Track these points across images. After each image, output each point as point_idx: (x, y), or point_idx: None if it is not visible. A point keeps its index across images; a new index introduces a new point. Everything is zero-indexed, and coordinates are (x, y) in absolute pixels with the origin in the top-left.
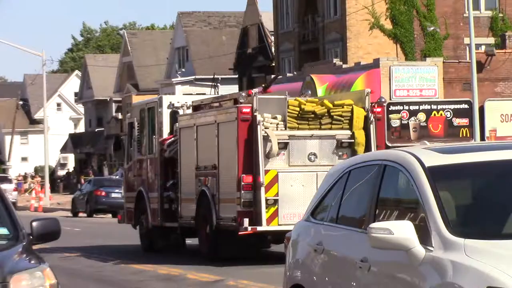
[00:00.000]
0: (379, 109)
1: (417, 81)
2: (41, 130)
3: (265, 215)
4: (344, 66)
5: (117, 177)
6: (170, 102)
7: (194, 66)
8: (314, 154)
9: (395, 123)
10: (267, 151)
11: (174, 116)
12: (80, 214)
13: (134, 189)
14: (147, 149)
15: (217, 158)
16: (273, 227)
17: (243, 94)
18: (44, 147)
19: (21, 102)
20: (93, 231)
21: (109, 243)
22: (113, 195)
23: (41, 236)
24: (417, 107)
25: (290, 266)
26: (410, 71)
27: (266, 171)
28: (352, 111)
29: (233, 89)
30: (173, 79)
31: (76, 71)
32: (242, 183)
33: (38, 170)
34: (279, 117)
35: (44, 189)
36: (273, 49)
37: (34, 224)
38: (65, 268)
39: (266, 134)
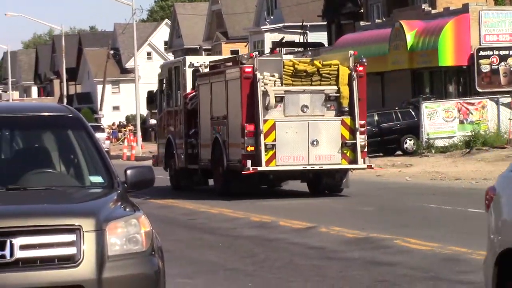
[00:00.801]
0: (361, 68)
1: (507, 25)
2: (132, 79)
3: (264, 157)
4: (433, 11)
5: None
6: (191, 62)
7: (282, 13)
8: (306, 106)
9: (485, 68)
10: (266, 104)
11: (195, 74)
12: None
13: (164, 136)
14: (174, 102)
15: (226, 109)
16: (271, 167)
17: (245, 56)
18: (135, 96)
19: (111, 52)
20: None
21: (201, 191)
22: None
23: (135, 184)
24: (507, 52)
25: (498, 226)
26: (499, 15)
27: (265, 121)
28: (338, 70)
29: (322, 36)
30: (261, 27)
31: (166, 20)
32: (245, 131)
33: (130, 119)
34: (277, 75)
35: (136, 138)
36: None
37: (129, 172)
38: (159, 216)
39: (265, 90)
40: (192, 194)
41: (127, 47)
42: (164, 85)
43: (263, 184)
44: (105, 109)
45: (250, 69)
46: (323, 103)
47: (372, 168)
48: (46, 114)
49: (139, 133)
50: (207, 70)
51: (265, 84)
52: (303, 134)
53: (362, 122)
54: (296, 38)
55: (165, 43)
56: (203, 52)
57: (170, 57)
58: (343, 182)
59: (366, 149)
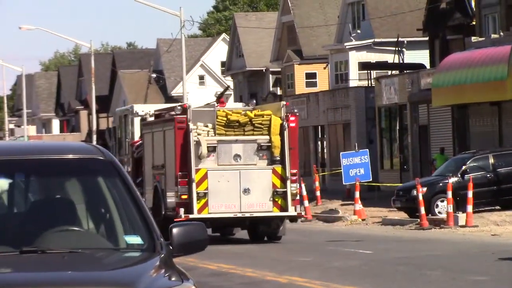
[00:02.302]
0: (292, 118)
1: None
2: None
3: (196, 205)
4: None
5: None
6: (135, 111)
7: (372, 26)
8: (239, 155)
9: None
10: (198, 153)
11: (141, 123)
12: None
13: None
14: (124, 151)
15: (164, 158)
16: (203, 215)
17: (179, 107)
18: None
19: (154, 75)
20: (247, 239)
21: (267, 254)
22: None
23: (183, 246)
24: None
25: None
26: None
27: (197, 170)
28: (270, 120)
29: (422, 55)
30: (345, 44)
31: (223, 35)
32: (178, 180)
33: None
34: (210, 125)
35: None
36: (473, 4)
37: (175, 230)
38: (213, 286)
39: (197, 140)
40: (248, 257)
41: (174, 69)
42: (116, 132)
43: (214, 232)
44: None
45: (183, 120)
46: (255, 152)
47: (302, 216)
48: (70, 156)
49: None
50: (152, 119)
51: (198, 134)
52: (235, 182)
53: (294, 171)
54: (390, 58)
55: (222, 64)
56: (270, 76)
57: (228, 82)
58: (279, 230)
59: (298, 197)
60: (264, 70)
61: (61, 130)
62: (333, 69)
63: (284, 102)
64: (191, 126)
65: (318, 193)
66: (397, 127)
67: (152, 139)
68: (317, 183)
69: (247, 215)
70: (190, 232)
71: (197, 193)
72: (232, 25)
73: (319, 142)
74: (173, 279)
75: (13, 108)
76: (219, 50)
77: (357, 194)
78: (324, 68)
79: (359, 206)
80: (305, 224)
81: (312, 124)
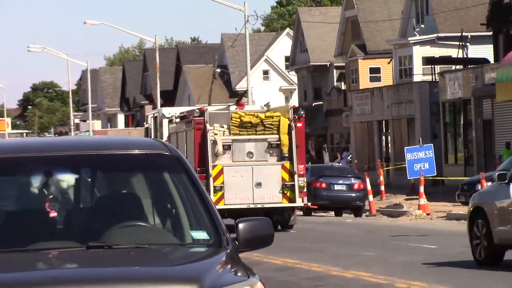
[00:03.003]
0: (299, 119)
1: None
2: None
3: (213, 198)
4: None
5: (340, 164)
6: (163, 114)
7: (436, 21)
8: (251, 153)
9: None
10: (215, 151)
11: (169, 124)
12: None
13: None
14: None
15: (185, 156)
16: (220, 206)
17: (197, 110)
18: None
19: (218, 70)
20: (312, 233)
21: (331, 249)
22: (336, 187)
23: (249, 241)
24: None
25: None
26: None
27: (214, 166)
28: (279, 121)
29: (486, 49)
30: (409, 38)
31: (287, 30)
32: (197, 175)
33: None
34: (225, 126)
35: None
36: None
37: (241, 226)
38: (279, 281)
39: (214, 139)
40: (313, 251)
41: (238, 64)
42: (149, 133)
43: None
44: None
45: (201, 121)
46: (266, 150)
47: (309, 206)
48: (136, 151)
49: None
50: (178, 120)
51: (214, 134)
52: (248, 177)
53: (301, 166)
54: (453, 53)
55: (286, 58)
56: (334, 70)
57: (293, 76)
58: (291, 219)
59: (305, 190)
60: (328, 65)
61: (126, 125)
62: (397, 64)
63: (291, 105)
64: (208, 127)
65: (382, 188)
66: (461, 122)
67: (177, 138)
68: (381, 178)
69: (259, 206)
70: (256, 227)
71: (214, 187)
72: (296, 20)
73: (383, 137)
74: (239, 274)
75: (78, 103)
76: (283, 45)
77: (422, 189)
78: (388, 63)
79: (423, 200)
80: (369, 219)
81: (376, 119)
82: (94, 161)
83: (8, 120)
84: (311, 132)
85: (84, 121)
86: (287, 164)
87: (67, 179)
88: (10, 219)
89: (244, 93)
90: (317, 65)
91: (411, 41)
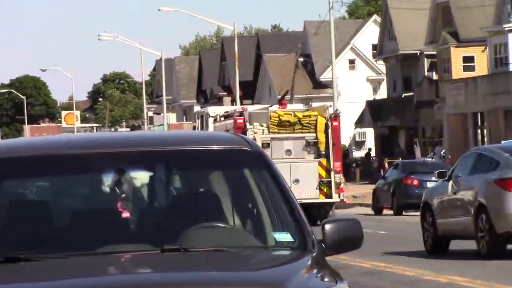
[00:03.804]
0: (336, 118)
1: None
2: (328, 96)
3: None
4: None
5: (433, 159)
6: (208, 113)
7: None
8: (289, 151)
9: None
10: None
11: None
12: (385, 211)
13: None
14: None
15: None
16: None
17: (238, 110)
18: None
19: (301, 59)
20: (403, 234)
21: (424, 251)
22: (429, 184)
23: (336, 243)
24: None
25: None
26: None
27: None
28: (316, 120)
29: None
30: (504, 25)
31: (374, 17)
32: None
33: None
34: (264, 125)
35: None
36: None
37: (328, 227)
38: (366, 286)
39: (254, 137)
40: (404, 254)
41: (322, 53)
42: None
43: None
44: None
45: (241, 121)
46: (304, 148)
47: (345, 202)
48: (215, 147)
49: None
50: (222, 119)
51: (254, 133)
52: (287, 174)
53: (337, 163)
54: None
55: (373, 47)
56: (424, 59)
57: (380, 66)
58: (328, 214)
59: (341, 186)
60: (418, 54)
61: None
62: (492, 52)
63: (328, 104)
64: (248, 126)
65: None
66: None
67: None
68: None
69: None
70: (344, 228)
71: None
72: (383, 7)
73: (479, 130)
74: (326, 279)
75: (152, 94)
76: (370, 33)
77: None
78: (482, 51)
79: None
80: None
81: (470, 110)
82: (169, 157)
83: (77, 113)
84: (400, 125)
85: (158, 114)
86: (324, 161)
87: (141, 177)
88: (79, 220)
89: (286, 93)
90: (407, 54)
91: (506, 28)
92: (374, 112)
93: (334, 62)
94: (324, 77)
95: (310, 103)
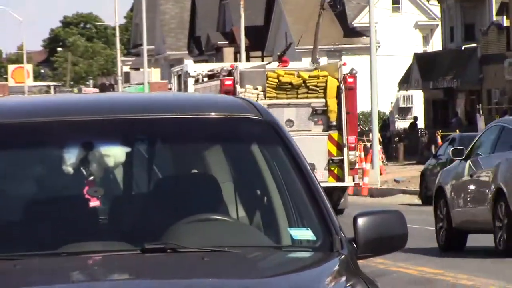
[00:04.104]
0: (351, 79)
1: None
2: (364, 47)
3: None
4: None
5: None
6: (187, 71)
7: None
8: (291, 121)
9: None
10: None
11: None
12: None
13: None
14: None
15: None
16: None
17: (225, 68)
18: (370, 79)
19: None
20: None
21: (488, 254)
22: None
23: (372, 243)
24: None
25: None
26: None
27: None
28: (326, 82)
29: None
30: None
31: None
32: None
33: (359, 121)
34: (260, 87)
35: (371, 155)
36: None
37: (361, 221)
38: None
39: None
40: (461, 258)
41: None
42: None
43: None
44: None
45: (230, 82)
46: (310, 117)
47: (360, 186)
48: (213, 115)
49: (375, 147)
50: (205, 79)
51: None
52: None
53: (352, 138)
54: None
55: None
56: (492, 1)
57: (434, 8)
58: (340, 202)
59: (356, 166)
60: None
61: None
62: None
63: (342, 62)
64: (239, 89)
65: None
66: None
67: None
68: None
69: None
70: (383, 223)
71: None
72: None
73: None
74: None
75: (128, 43)
76: None
77: None
78: None
79: None
80: None
81: None
82: (153, 128)
83: (29, 68)
84: (459, 87)
85: (137, 69)
86: (334, 134)
87: (115, 154)
88: (33, 210)
89: (289, 47)
90: None
91: None
92: (424, 69)
93: (372, 2)
94: (359, 22)
95: (319, 59)
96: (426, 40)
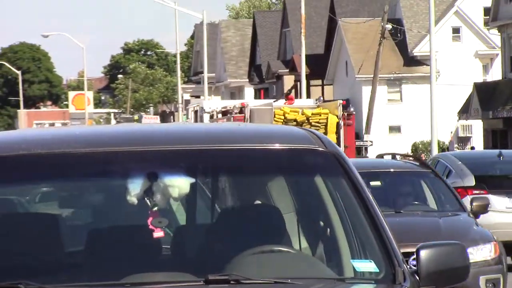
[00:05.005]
0: (349, 118)
1: None
2: (423, 76)
3: None
4: None
5: None
6: (203, 108)
7: None
8: None
9: None
10: None
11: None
12: None
13: None
14: None
15: None
16: None
17: (237, 105)
18: (430, 108)
19: (389, 26)
20: None
21: None
22: None
23: (434, 275)
24: None
25: None
26: None
27: None
28: (327, 119)
29: None
30: None
31: None
32: None
33: (419, 149)
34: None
35: None
36: None
37: (423, 253)
38: None
39: None
40: None
41: (417, 19)
42: None
43: None
44: (376, 131)
45: (241, 119)
46: None
47: None
48: (277, 146)
49: None
50: (219, 116)
51: None
52: None
53: None
54: None
55: (485, 11)
56: None
57: (494, 37)
58: None
59: None
60: None
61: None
62: None
63: (340, 101)
64: None
65: None
66: None
67: None
68: None
69: None
70: (445, 255)
71: None
72: None
73: None
74: None
75: (188, 71)
76: None
77: None
78: None
79: None
80: None
81: None
82: (217, 159)
83: (90, 95)
84: None
85: (197, 96)
86: None
87: (179, 185)
88: (98, 240)
89: (293, 87)
90: None
91: None
92: (483, 99)
93: (433, 31)
94: (419, 50)
95: (321, 98)
96: (486, 69)
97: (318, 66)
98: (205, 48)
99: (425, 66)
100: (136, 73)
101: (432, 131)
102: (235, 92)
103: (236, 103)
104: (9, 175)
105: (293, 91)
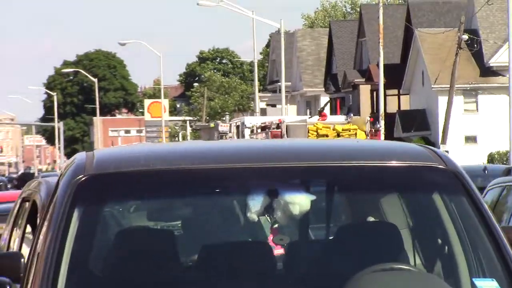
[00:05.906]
0: (376, 133)
1: None
2: (501, 86)
3: None
4: None
5: None
6: (244, 123)
7: None
8: None
9: None
10: None
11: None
12: None
13: None
14: None
15: None
16: None
17: (275, 121)
18: (508, 118)
19: (465, 37)
20: None
21: None
22: None
23: None
24: None
25: None
26: None
27: None
28: (356, 134)
29: None
30: None
31: None
32: None
33: (495, 160)
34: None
35: None
36: None
37: None
38: None
39: None
40: None
41: (493, 29)
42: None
43: None
44: (452, 141)
45: (278, 133)
46: None
47: None
48: (395, 163)
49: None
50: (259, 131)
51: None
52: None
53: None
54: None
55: None
56: None
57: None
58: None
59: None
60: None
61: (332, 112)
62: None
63: (368, 118)
64: None
65: None
66: None
67: None
68: None
69: None
70: None
71: None
72: None
73: None
74: None
75: (263, 79)
76: None
77: None
78: None
79: None
80: None
81: None
82: (338, 176)
83: (166, 103)
84: None
85: (273, 105)
86: None
87: (300, 202)
88: (218, 256)
89: (326, 104)
90: None
91: None
92: None
93: (511, 41)
94: (495, 61)
95: (351, 114)
96: None
97: (395, 76)
98: (282, 57)
99: (501, 76)
100: (211, 81)
101: (511, 141)
102: (311, 101)
103: (274, 119)
104: (133, 191)
105: (327, 106)
